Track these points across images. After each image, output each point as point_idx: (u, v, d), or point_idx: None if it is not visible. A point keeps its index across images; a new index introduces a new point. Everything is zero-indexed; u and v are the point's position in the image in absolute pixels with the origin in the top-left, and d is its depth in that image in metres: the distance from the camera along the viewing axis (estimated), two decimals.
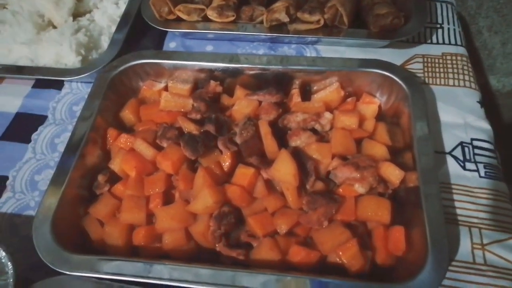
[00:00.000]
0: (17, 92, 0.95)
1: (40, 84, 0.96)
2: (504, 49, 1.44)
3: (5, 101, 0.94)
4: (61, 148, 0.85)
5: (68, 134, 0.84)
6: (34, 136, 0.88)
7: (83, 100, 0.90)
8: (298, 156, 0.71)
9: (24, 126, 0.90)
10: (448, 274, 0.65)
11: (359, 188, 0.67)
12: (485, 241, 0.68)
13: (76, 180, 0.73)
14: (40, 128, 0.89)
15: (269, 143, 0.72)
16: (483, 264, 0.66)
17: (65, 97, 0.94)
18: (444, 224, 0.62)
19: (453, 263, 0.67)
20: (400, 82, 0.79)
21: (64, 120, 0.90)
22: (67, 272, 0.61)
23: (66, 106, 0.92)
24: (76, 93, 0.94)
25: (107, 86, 0.83)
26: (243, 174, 0.69)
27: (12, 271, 0.60)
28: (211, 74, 0.86)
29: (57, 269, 0.62)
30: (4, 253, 0.61)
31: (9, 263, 0.60)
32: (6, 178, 0.82)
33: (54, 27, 0.97)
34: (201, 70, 0.86)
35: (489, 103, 1.57)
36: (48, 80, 0.94)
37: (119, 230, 0.68)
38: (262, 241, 0.66)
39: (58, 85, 0.95)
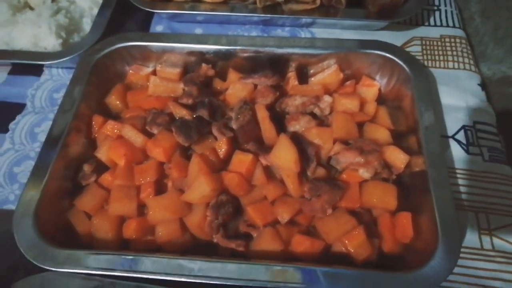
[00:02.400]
0: None
1: (17, 70, 0.90)
2: (495, 34, 1.42)
3: None
4: (42, 137, 0.79)
5: (49, 123, 0.79)
6: (11, 125, 0.82)
7: (64, 86, 0.84)
8: (298, 141, 0.67)
9: (1, 114, 0.83)
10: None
11: (364, 173, 0.64)
12: (492, 226, 0.66)
13: (59, 171, 0.68)
14: (18, 117, 0.83)
15: (267, 128, 0.68)
16: (491, 249, 0.64)
17: (45, 84, 0.88)
18: (455, 209, 0.59)
19: (461, 249, 0.64)
20: (401, 63, 0.76)
21: (45, 108, 0.84)
22: (52, 269, 0.56)
23: (46, 93, 0.86)
24: (56, 80, 0.88)
25: (90, 71, 0.78)
26: (241, 161, 0.65)
27: None
28: (202, 57, 0.81)
29: (41, 265, 0.57)
30: None
31: None
32: None
33: (31, 8, 0.91)
34: (191, 53, 0.81)
35: None
36: (26, 65, 0.87)
37: (108, 223, 0.63)
38: (263, 231, 0.62)
39: (37, 71, 0.89)
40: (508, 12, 1.36)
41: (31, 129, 0.81)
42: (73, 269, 0.56)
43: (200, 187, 0.61)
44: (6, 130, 0.81)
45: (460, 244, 0.57)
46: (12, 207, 0.72)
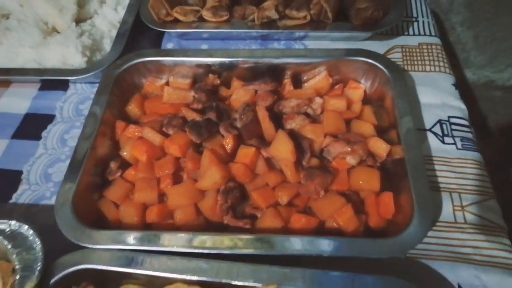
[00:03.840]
0: (25, 94, 1.01)
1: (46, 87, 1.02)
2: (476, 43, 1.54)
3: (13, 103, 0.99)
4: (71, 143, 0.91)
5: (76, 131, 0.91)
6: (44, 133, 0.93)
7: (88, 99, 0.97)
8: (294, 136, 0.78)
9: (33, 125, 0.95)
10: (433, 233, 0.73)
11: (351, 160, 0.75)
12: (464, 203, 0.76)
13: (90, 168, 0.79)
14: (49, 126, 0.94)
15: (267, 126, 0.80)
16: (463, 223, 0.74)
17: (71, 97, 0.99)
18: (428, 187, 0.70)
19: (437, 223, 0.74)
20: (382, 68, 0.87)
21: (72, 118, 0.95)
22: (90, 246, 0.67)
23: (73, 105, 0.98)
24: (81, 93, 1.00)
25: (113, 83, 0.89)
26: (245, 153, 0.76)
27: (40, 246, 0.65)
28: (208, 68, 0.93)
29: (80, 244, 0.67)
30: (31, 231, 0.67)
31: (36, 239, 0.66)
32: (21, 172, 0.87)
33: (58, 32, 1.04)
34: (199, 65, 0.92)
35: (467, 96, 1.67)
36: (53, 82, 1.00)
37: (133, 209, 0.74)
38: (266, 212, 0.72)
39: (64, 87, 1.01)
40: (486, 22, 1.48)
41: (61, 136, 0.92)
42: (107, 245, 0.67)
43: (211, 176, 0.72)
44: (39, 138, 0.92)
45: (431, 216, 0.67)
46: (48, 202, 0.82)
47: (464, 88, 1.27)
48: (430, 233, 0.73)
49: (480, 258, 0.70)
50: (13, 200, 0.83)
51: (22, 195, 0.84)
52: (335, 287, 0.60)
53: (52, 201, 0.82)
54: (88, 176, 0.78)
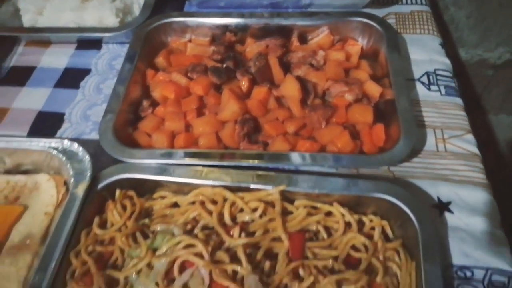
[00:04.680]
0: (63, 53, 1.15)
1: (82, 46, 1.16)
2: (468, 22, 1.67)
3: (53, 60, 1.13)
4: (106, 91, 1.04)
5: (110, 81, 1.05)
6: (82, 83, 1.07)
7: (120, 57, 1.11)
8: (300, 80, 0.92)
9: (72, 77, 1.09)
10: (418, 159, 0.86)
11: (348, 97, 0.88)
12: (445, 137, 0.89)
13: (125, 107, 0.92)
14: (86, 78, 1.08)
15: (277, 71, 0.93)
16: (444, 151, 0.87)
17: (104, 55, 1.13)
18: (414, 120, 0.83)
19: (422, 152, 0.87)
20: (377, 26, 1.00)
21: (105, 71, 1.09)
22: (130, 160, 0.81)
23: (106, 61, 1.12)
24: (113, 52, 1.14)
25: (143, 40, 1.03)
26: (259, 91, 0.89)
27: (89, 159, 0.79)
28: (226, 29, 1.06)
29: (122, 159, 0.81)
30: (81, 148, 0.80)
31: (86, 154, 0.79)
32: (63, 114, 1.01)
33: None
34: (218, 26, 1.06)
35: (461, 75, 1.79)
36: (88, 42, 1.14)
37: (164, 137, 0.87)
38: (276, 139, 0.85)
39: (98, 46, 1.15)
40: (476, 2, 1.61)
41: (97, 86, 1.06)
42: (143, 160, 0.81)
43: (230, 107, 0.86)
44: (78, 87, 1.06)
45: (414, 139, 0.80)
46: (88, 137, 0.96)
47: (458, 67, 1.39)
48: (414, 159, 0.86)
49: (457, 178, 0.83)
50: (57, 135, 0.97)
51: (65, 132, 0.97)
52: (333, 188, 0.74)
53: (91, 136, 0.95)
54: (124, 112, 0.91)
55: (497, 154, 1.99)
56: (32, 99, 1.05)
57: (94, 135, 0.94)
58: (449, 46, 1.51)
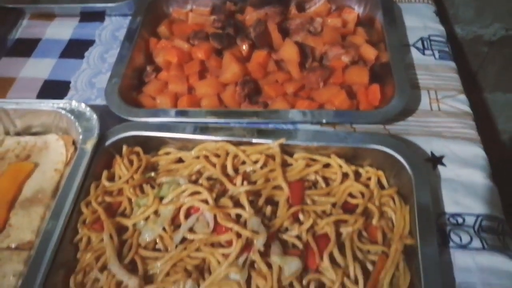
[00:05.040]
0: (67, 25, 1.17)
1: (85, 19, 1.18)
2: None
3: (58, 32, 1.16)
4: (110, 60, 1.07)
5: (114, 51, 1.08)
6: (86, 53, 1.10)
7: (123, 28, 1.14)
8: (299, 45, 0.95)
9: (77, 48, 1.12)
10: (412, 118, 0.89)
11: (345, 58, 0.91)
12: (439, 97, 0.93)
13: (129, 73, 0.95)
14: (90, 48, 1.11)
15: (276, 36, 0.96)
16: (438, 110, 0.90)
17: (108, 27, 1.16)
18: (408, 78, 0.87)
19: (416, 112, 0.90)
20: None
21: (109, 41, 1.12)
22: (135, 119, 0.84)
23: (109, 32, 1.15)
24: (115, 24, 1.16)
25: (145, 10, 1.06)
26: (259, 55, 0.92)
27: (96, 118, 0.82)
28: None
29: (127, 118, 0.84)
30: (88, 108, 0.83)
31: (93, 114, 0.82)
32: (69, 82, 1.04)
33: None
34: None
35: (457, 51, 1.82)
36: (91, 15, 1.17)
37: (168, 98, 0.90)
38: (275, 99, 0.89)
39: (101, 18, 1.18)
40: None
41: (101, 55, 1.09)
42: (149, 118, 0.84)
43: (232, 69, 0.89)
44: (82, 57, 1.09)
45: (407, 96, 0.83)
46: (94, 103, 0.98)
47: (453, 44, 1.42)
48: (409, 118, 0.89)
49: (450, 134, 0.86)
50: None
51: (72, 98, 1.00)
52: (330, 140, 0.77)
53: (97, 102, 0.98)
54: (128, 77, 0.94)
55: (492, 134, 2.03)
56: (38, 69, 1.08)
57: (100, 101, 0.97)
58: (445, 23, 1.54)
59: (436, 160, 0.83)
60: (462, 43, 1.87)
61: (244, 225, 0.67)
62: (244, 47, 0.94)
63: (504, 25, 1.79)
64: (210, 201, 0.69)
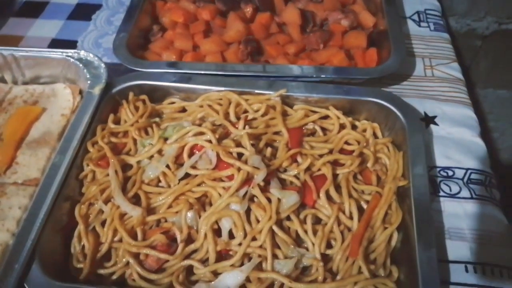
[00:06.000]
0: None
1: None
2: None
3: None
4: (116, 23, 1.10)
5: (120, 15, 1.11)
6: (93, 16, 1.13)
7: None
8: (301, 10, 0.99)
9: (84, 11, 1.15)
10: (407, 83, 0.94)
11: (344, 22, 0.95)
12: (433, 64, 0.97)
13: (136, 32, 0.98)
14: (97, 12, 1.14)
15: (279, 0, 1.00)
16: (431, 76, 0.95)
17: None
18: (404, 44, 0.91)
19: (411, 77, 0.95)
20: None
21: (116, 6, 1.15)
22: (142, 69, 0.87)
23: None
24: None
25: None
26: (262, 16, 0.96)
27: (104, 66, 0.84)
28: None
29: (135, 68, 0.87)
30: (96, 57, 0.86)
31: (101, 63, 0.85)
32: (76, 41, 1.07)
33: None
34: None
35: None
36: None
37: (173, 55, 0.93)
38: (277, 58, 0.92)
39: None
40: None
41: (108, 18, 1.12)
42: (155, 69, 0.87)
43: (235, 27, 0.92)
44: (90, 19, 1.12)
45: (403, 56, 0.88)
46: None
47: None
48: (404, 82, 0.94)
49: (443, 97, 0.91)
50: None
51: None
52: (329, 92, 0.81)
53: (104, 60, 1.00)
54: (135, 36, 0.97)
55: (482, 132, 2.08)
56: (45, 29, 1.11)
57: (106, 59, 1.00)
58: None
59: (429, 120, 0.87)
60: (456, 36, 1.92)
61: (245, 163, 0.70)
62: (248, 9, 0.98)
63: (497, 18, 1.84)
64: (214, 140, 0.72)
